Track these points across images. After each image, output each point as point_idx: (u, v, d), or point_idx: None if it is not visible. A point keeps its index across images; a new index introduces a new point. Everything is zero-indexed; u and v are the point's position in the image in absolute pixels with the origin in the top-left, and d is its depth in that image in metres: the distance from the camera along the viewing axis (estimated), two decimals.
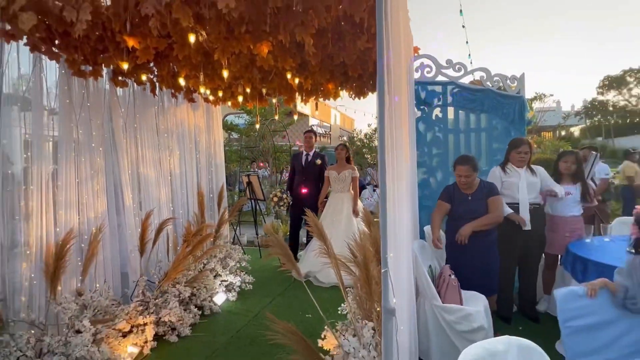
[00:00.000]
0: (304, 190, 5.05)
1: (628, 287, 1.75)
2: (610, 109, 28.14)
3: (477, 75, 3.90)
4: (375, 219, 2.87)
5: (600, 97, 28.90)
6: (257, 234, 5.98)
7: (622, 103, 28.53)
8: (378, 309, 2.07)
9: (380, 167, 1.62)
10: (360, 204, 4.97)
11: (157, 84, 3.63)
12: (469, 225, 2.84)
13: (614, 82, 28.56)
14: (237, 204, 4.64)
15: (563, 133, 25.41)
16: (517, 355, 1.23)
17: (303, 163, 5.12)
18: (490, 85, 3.86)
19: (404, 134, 2.18)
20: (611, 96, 28.78)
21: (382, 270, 1.55)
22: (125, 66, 2.64)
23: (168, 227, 3.67)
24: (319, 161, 5.07)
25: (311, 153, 5.15)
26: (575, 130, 28.35)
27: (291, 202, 5.11)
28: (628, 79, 28.29)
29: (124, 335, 2.84)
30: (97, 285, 3.04)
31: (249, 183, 5.56)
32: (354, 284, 2.38)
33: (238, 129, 13.96)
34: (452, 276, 2.73)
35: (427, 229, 3.47)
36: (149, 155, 3.69)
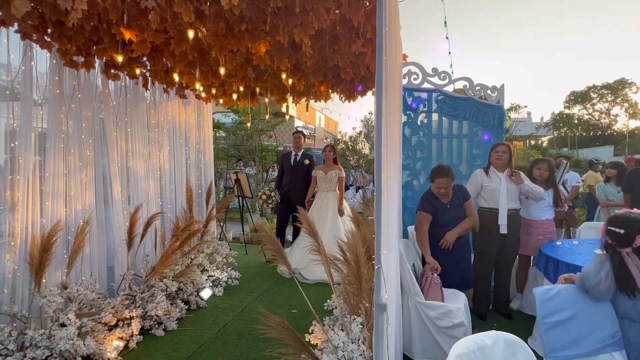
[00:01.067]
0: (292, 189, 5.02)
1: (589, 272, 1.83)
2: (576, 121, 29.43)
3: (461, 84, 3.98)
4: (370, 217, 2.87)
5: (567, 111, 30.19)
6: (243, 231, 5.92)
7: (586, 117, 29.89)
8: (367, 304, 2.08)
9: (376, 165, 1.64)
10: (345, 203, 5.00)
11: (149, 79, 3.53)
12: (454, 231, 2.90)
13: (579, 97, 29.93)
14: (224, 201, 4.58)
15: (532, 142, 26.35)
16: (504, 349, 1.26)
17: (292, 163, 5.11)
18: (472, 94, 3.95)
19: (396, 135, 2.22)
20: (576, 110, 30.11)
21: (376, 267, 1.56)
22: (119, 59, 2.55)
23: (156, 222, 3.59)
24: (307, 161, 5.07)
25: (300, 153, 5.15)
26: (544, 141, 29.46)
27: (279, 200, 5.08)
28: (592, 94, 29.71)
29: (110, 329, 2.75)
30: (83, 278, 2.92)
31: (237, 180, 5.49)
32: (342, 281, 2.40)
33: (225, 128, 13.79)
34: (435, 274, 2.77)
35: (411, 229, 3.51)
36: (138, 149, 3.60)
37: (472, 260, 3.14)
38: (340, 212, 4.72)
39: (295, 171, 5.06)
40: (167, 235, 3.84)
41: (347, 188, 10.64)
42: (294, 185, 5.06)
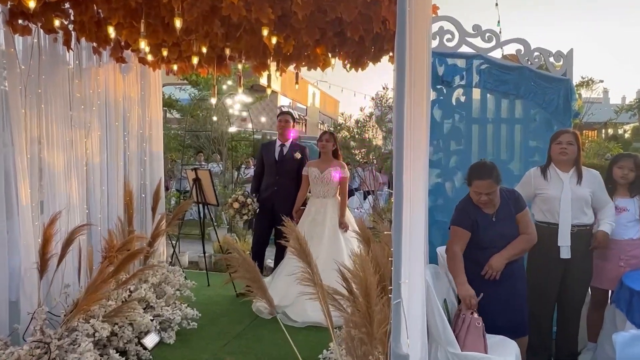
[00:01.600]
0: (276, 192, 5.03)
1: None
2: None
3: (512, 49, 3.98)
4: (385, 232, 2.86)
5: None
6: (204, 253, 5.91)
7: None
8: (380, 356, 2.09)
9: (396, 161, 1.65)
10: (349, 214, 5.01)
11: (73, 34, 3.53)
12: (502, 255, 2.91)
13: None
14: (178, 209, 4.58)
15: (611, 132, 26.55)
16: None
17: (276, 156, 5.10)
18: (529, 63, 3.96)
19: (423, 121, 2.24)
20: None
21: (393, 302, 1.58)
22: (31, 4, 2.55)
23: (81, 238, 3.58)
24: (298, 155, 5.07)
25: (287, 143, 5.14)
26: (627, 130, 29.62)
27: (257, 210, 5.07)
28: None
29: None
30: None
31: (197, 180, 5.49)
32: (346, 323, 2.40)
33: (180, 106, 13.77)
34: (475, 314, 2.79)
35: (442, 251, 3.52)
36: (57, 133, 3.59)
37: (525, 297, 3.15)
38: (343, 226, 4.73)
39: (280, 168, 5.06)
40: (96, 256, 3.82)
41: (351, 193, 10.64)
42: (278, 189, 5.05)
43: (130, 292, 3.82)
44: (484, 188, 2.90)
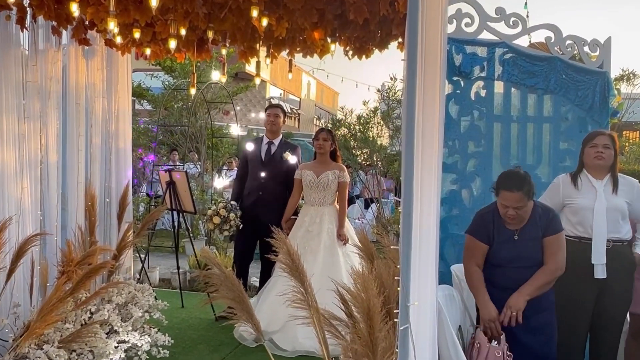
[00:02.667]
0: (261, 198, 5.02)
1: None
2: None
3: (541, 36, 4.01)
4: (392, 247, 2.87)
5: None
6: (178, 269, 5.89)
7: None
8: None
9: (405, 165, 1.67)
10: (348, 225, 5.02)
11: (29, 10, 3.51)
12: (520, 293, 2.90)
13: None
14: (149, 218, 4.58)
15: None
16: None
17: (263, 156, 5.10)
18: (560, 52, 4.00)
19: (437, 118, 2.24)
20: None
21: (401, 328, 1.60)
22: None
23: (34, 249, 3.55)
24: (288, 155, 5.08)
25: (276, 141, 5.15)
26: None
27: (240, 225, 5.04)
28: None
29: None
30: None
31: (171, 184, 5.49)
32: (344, 352, 2.40)
33: (151, 97, 13.77)
34: (495, 343, 2.81)
35: (457, 269, 3.55)
36: (6, 126, 3.57)
37: (554, 324, 3.16)
38: (341, 239, 4.75)
39: (267, 170, 5.07)
40: (51, 271, 3.80)
41: (351, 201, 10.65)
42: (263, 194, 5.05)
43: (91, 313, 3.78)
44: (512, 201, 2.90)
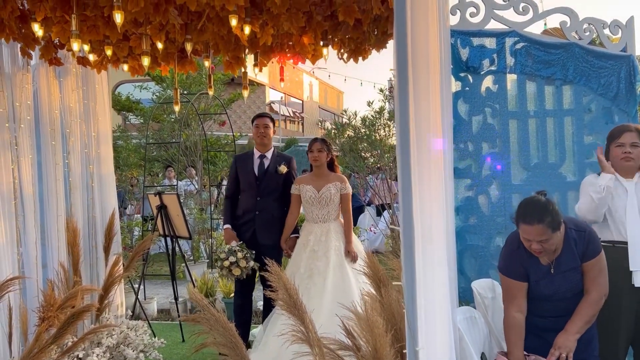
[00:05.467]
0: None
1: None
2: None
3: (556, 21, 3.96)
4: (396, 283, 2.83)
5: None
6: (176, 298, 5.86)
7: None
8: None
9: (401, 174, 1.61)
10: (356, 240, 4.93)
11: None
12: (567, 333, 2.85)
13: None
14: (139, 248, 4.54)
15: None
16: None
17: (256, 172, 5.00)
18: (578, 38, 3.95)
19: (437, 114, 2.26)
20: None
21: None
22: None
23: (10, 294, 3.50)
24: (283, 168, 4.97)
25: (269, 154, 5.04)
26: None
27: (253, 268, 4.90)
28: None
29: None
30: None
31: (163, 208, 5.46)
32: None
33: (141, 109, 13.80)
34: None
35: (478, 286, 3.47)
36: None
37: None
38: (351, 256, 4.66)
39: (262, 187, 4.98)
40: (32, 317, 3.75)
41: (360, 210, 10.57)
42: (260, 213, 4.94)
43: None
44: (534, 235, 2.81)
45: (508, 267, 2.98)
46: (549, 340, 2.91)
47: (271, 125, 5.06)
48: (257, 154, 5.05)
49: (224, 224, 5.18)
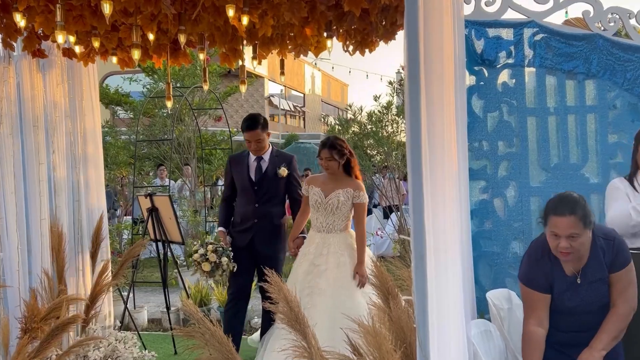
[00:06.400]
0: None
1: None
2: None
3: (578, 10, 3.95)
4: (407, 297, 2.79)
5: None
6: (168, 307, 5.81)
7: None
8: None
9: (411, 175, 1.55)
10: (369, 256, 4.57)
11: None
12: (593, 350, 2.80)
13: None
14: (128, 254, 4.50)
15: None
16: None
17: (254, 177, 4.85)
18: (602, 29, 3.92)
19: (451, 112, 2.27)
20: None
21: None
22: None
23: None
24: (284, 171, 4.79)
25: (266, 156, 4.86)
26: None
27: (234, 269, 4.79)
28: None
29: None
30: None
31: (153, 211, 5.40)
32: None
33: (130, 103, 13.77)
34: None
35: (494, 297, 3.43)
36: None
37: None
38: (360, 278, 4.36)
39: (261, 192, 4.83)
40: (13, 328, 3.70)
41: (369, 212, 10.50)
42: (260, 221, 4.80)
43: None
44: (564, 227, 2.72)
45: (530, 277, 2.93)
46: (571, 356, 2.88)
47: (264, 135, 4.79)
48: (252, 157, 4.88)
49: (219, 226, 5.13)
